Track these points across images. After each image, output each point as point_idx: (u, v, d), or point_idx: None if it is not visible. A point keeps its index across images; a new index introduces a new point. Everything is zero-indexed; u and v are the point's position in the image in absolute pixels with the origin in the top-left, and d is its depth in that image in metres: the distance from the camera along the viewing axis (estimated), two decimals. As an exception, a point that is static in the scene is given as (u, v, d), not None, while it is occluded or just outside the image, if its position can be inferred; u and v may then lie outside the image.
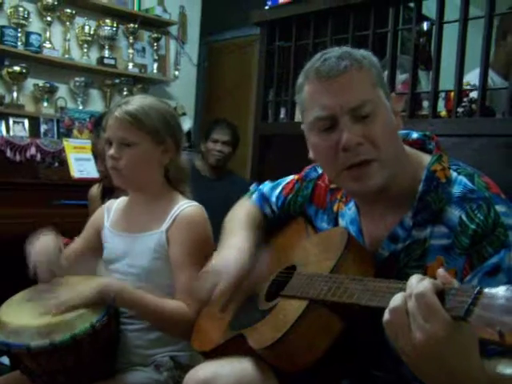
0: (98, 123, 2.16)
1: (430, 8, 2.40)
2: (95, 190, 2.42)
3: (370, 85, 1.03)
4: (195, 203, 1.48)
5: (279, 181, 1.43)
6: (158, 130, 1.43)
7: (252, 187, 1.51)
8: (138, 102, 1.44)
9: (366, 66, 1.04)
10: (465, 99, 2.09)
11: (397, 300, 0.79)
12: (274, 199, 1.39)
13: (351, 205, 1.18)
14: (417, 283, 0.77)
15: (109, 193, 2.23)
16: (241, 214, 1.39)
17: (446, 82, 2.27)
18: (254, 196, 1.45)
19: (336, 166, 1.04)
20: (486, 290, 0.69)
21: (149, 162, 1.45)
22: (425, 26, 2.21)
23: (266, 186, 1.45)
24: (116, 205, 1.60)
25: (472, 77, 2.18)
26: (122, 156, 1.42)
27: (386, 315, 0.79)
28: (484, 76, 2.03)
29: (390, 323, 0.79)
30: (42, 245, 1.40)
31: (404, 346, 0.78)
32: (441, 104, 2.30)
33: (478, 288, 0.70)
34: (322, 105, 1.03)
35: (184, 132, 1.57)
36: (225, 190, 2.96)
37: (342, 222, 1.20)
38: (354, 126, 1.00)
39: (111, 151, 1.43)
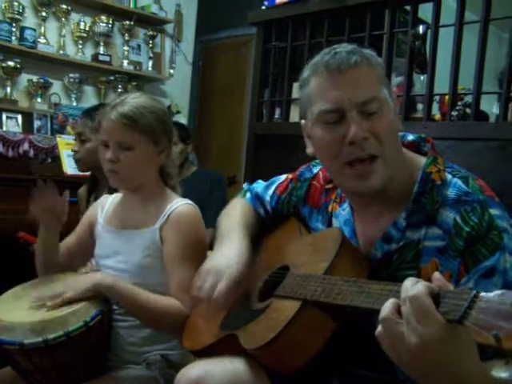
0: (90, 115, 2.14)
1: (426, 12, 2.42)
2: (82, 189, 2.41)
3: (378, 82, 1.04)
4: (189, 201, 1.48)
5: (273, 179, 1.42)
6: (155, 130, 1.42)
7: (244, 186, 1.50)
8: (132, 102, 1.41)
9: (374, 64, 1.05)
10: (459, 103, 2.11)
11: (386, 309, 0.77)
12: (268, 198, 1.39)
13: (345, 205, 1.18)
14: (411, 286, 0.76)
15: (94, 186, 2.23)
16: (236, 212, 1.38)
17: (441, 85, 2.29)
18: (248, 195, 1.44)
19: (339, 160, 1.04)
20: (483, 294, 0.68)
21: (147, 163, 1.44)
22: (421, 29, 2.22)
23: (260, 186, 1.44)
24: (111, 199, 1.59)
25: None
26: (120, 159, 1.40)
27: (379, 327, 0.78)
28: (478, 80, 2.05)
29: (383, 335, 0.77)
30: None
31: (401, 355, 0.76)
32: (435, 107, 2.31)
33: (475, 292, 0.70)
34: (330, 98, 1.02)
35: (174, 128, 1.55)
36: (186, 187, 2.87)
37: (335, 223, 1.20)
38: (362, 121, 1.00)
39: (109, 155, 1.40)
